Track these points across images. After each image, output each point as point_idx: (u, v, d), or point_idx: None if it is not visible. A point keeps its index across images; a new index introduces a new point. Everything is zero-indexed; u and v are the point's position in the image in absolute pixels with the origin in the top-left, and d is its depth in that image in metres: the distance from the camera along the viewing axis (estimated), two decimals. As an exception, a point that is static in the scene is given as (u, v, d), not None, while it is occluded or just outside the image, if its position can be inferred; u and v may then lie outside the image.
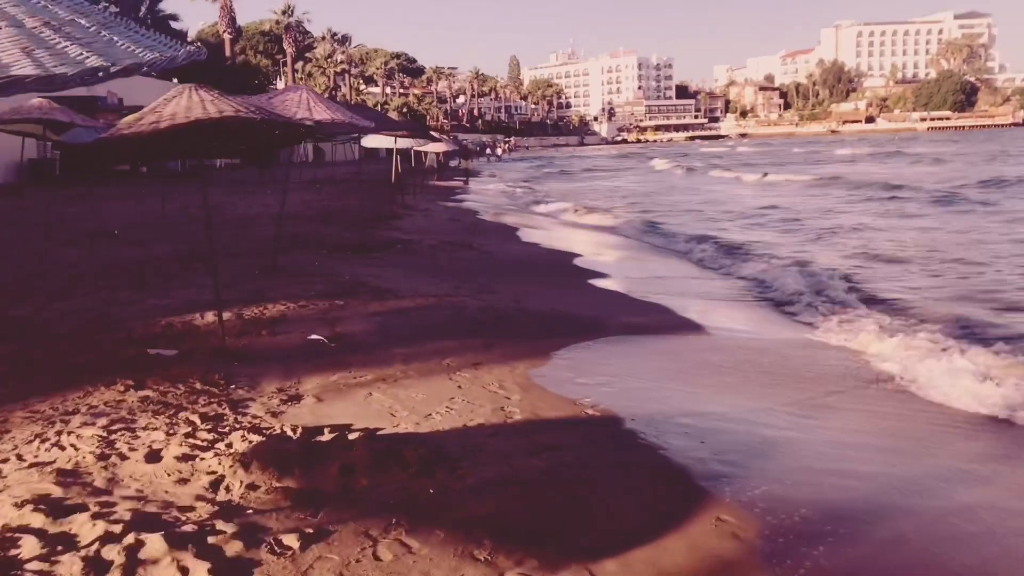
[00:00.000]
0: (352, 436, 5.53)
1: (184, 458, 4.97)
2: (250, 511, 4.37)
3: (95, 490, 4.54)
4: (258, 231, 16.72)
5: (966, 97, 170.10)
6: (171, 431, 5.48)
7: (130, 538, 3.96)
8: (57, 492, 4.53)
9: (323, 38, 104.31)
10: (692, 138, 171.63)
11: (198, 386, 6.62)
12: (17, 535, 4.01)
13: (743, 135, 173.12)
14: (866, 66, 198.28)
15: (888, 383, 7.69)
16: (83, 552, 3.86)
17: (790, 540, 4.36)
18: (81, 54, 2.89)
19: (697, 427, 6.27)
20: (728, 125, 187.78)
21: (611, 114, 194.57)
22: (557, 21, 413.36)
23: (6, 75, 2.69)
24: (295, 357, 7.76)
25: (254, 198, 25.75)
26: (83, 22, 3.10)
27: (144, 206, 22.88)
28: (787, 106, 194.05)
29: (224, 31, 73.25)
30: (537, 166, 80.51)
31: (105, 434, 5.40)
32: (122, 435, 5.39)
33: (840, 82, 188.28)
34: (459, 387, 6.98)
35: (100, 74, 2.88)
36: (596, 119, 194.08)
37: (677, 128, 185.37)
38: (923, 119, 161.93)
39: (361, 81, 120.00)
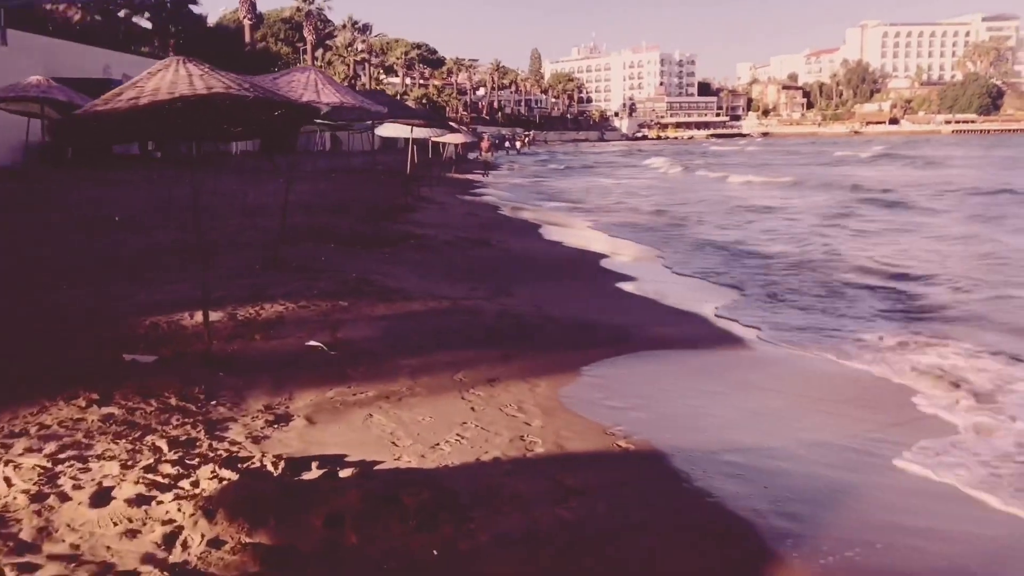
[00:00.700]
0: (344, 473, 4.67)
1: (138, 501, 4.09)
2: (209, 577, 3.52)
3: (17, 545, 3.65)
4: (267, 221, 15.84)
5: (992, 100, 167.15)
6: (130, 462, 4.60)
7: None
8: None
9: (344, 26, 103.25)
10: (712, 135, 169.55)
11: (173, 402, 5.76)
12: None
13: (765, 134, 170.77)
14: (891, 67, 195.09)
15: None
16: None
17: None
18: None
19: (747, 466, 5.38)
20: (750, 124, 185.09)
21: (632, 110, 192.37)
22: (579, 15, 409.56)
23: None
24: (289, 366, 6.91)
25: (267, 186, 24.86)
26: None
27: (153, 192, 22.08)
28: (810, 106, 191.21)
29: (244, 17, 72.47)
30: (558, 160, 79.29)
31: (50, 465, 4.51)
32: (70, 466, 4.50)
33: (864, 83, 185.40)
34: (472, 408, 6.13)
35: None
36: (617, 115, 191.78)
37: (699, 126, 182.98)
38: (948, 121, 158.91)
39: (381, 71, 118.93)
